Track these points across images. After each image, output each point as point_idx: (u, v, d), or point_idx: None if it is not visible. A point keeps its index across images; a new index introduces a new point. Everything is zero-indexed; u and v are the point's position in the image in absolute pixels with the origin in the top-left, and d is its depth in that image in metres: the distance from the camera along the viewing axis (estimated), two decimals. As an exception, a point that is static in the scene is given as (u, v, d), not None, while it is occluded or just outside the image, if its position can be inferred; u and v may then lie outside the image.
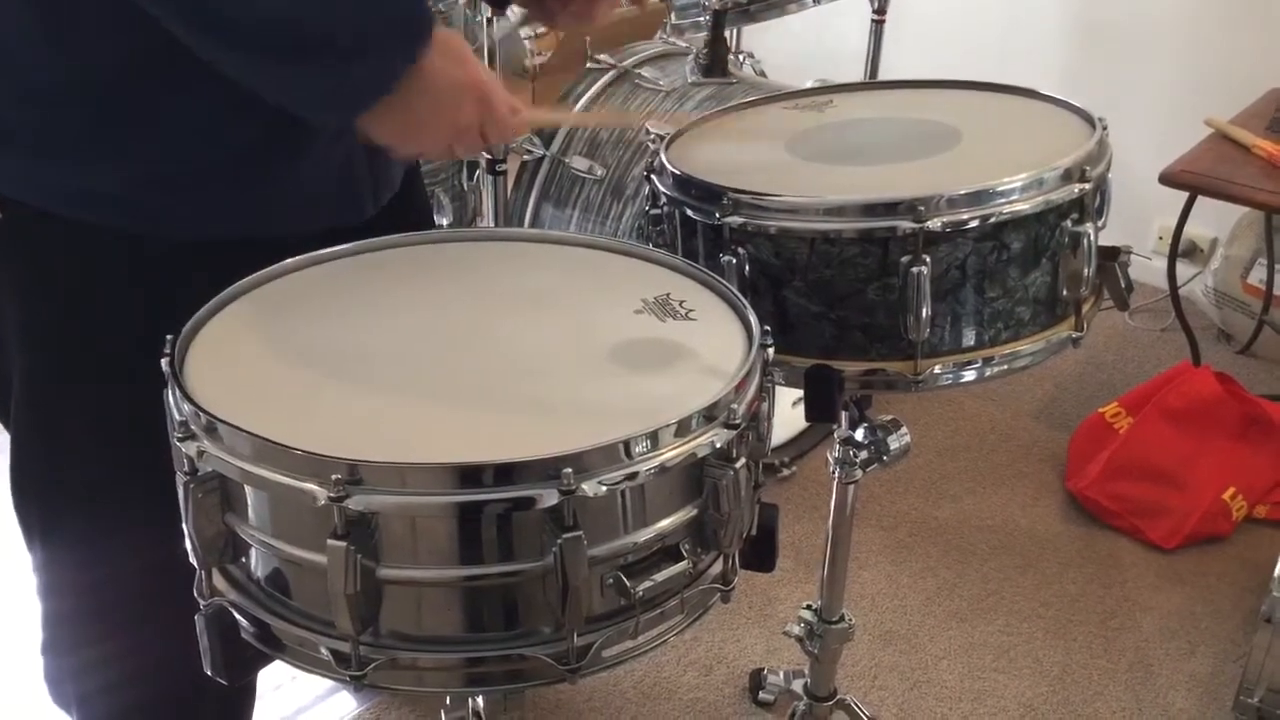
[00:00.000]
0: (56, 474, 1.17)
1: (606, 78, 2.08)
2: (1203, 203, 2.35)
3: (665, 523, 0.81)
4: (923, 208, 1.04)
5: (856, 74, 2.68)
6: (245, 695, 1.41)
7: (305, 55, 0.91)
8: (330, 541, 0.74)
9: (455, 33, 0.96)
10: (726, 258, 1.09)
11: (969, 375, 1.12)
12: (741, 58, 2.39)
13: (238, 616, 0.84)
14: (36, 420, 1.15)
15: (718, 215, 1.10)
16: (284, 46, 0.90)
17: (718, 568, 0.87)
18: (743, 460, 0.82)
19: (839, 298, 1.09)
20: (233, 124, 1.02)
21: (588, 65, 2.12)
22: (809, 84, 1.49)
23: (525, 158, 2.06)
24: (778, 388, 0.93)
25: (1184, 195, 2.35)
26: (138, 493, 1.00)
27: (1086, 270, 1.11)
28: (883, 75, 2.62)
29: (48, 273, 1.09)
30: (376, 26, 0.92)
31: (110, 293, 1.09)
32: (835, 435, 1.36)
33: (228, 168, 1.05)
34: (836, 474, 1.39)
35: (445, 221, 2.32)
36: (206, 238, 1.05)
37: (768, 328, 0.90)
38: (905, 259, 1.05)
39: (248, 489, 0.80)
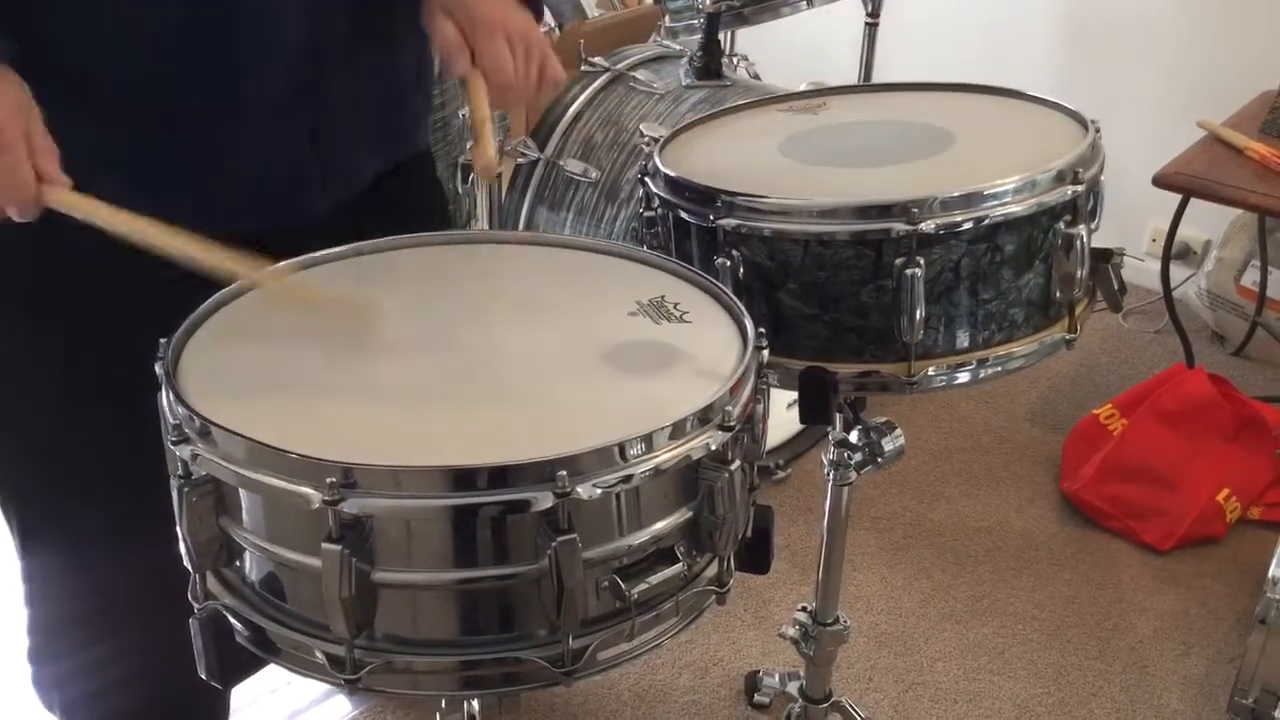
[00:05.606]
0: (46, 479, 1.16)
1: (600, 81, 2.07)
2: (1196, 205, 2.35)
3: (660, 525, 0.81)
4: (916, 210, 1.04)
5: (850, 77, 2.68)
6: (226, 703, 1.41)
7: None
8: (325, 545, 0.74)
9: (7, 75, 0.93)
10: (721, 260, 1.10)
11: (963, 377, 1.12)
12: (736, 60, 2.39)
13: (232, 620, 0.84)
14: (26, 425, 1.14)
15: (712, 218, 1.10)
16: None
17: (713, 570, 0.87)
18: (737, 462, 0.82)
19: (833, 300, 1.09)
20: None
21: (581, 68, 2.12)
22: (803, 87, 1.49)
23: (520, 161, 2.05)
24: (772, 390, 0.93)
25: (1177, 197, 2.35)
26: (126, 498, 1.00)
27: (1080, 272, 1.11)
28: (876, 78, 2.63)
29: (37, 276, 1.09)
30: None
31: (98, 293, 1.08)
32: (830, 437, 1.36)
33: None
34: (831, 476, 1.39)
35: (439, 225, 2.31)
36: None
37: (762, 330, 0.90)
38: (899, 261, 1.05)
39: (242, 492, 0.80)
